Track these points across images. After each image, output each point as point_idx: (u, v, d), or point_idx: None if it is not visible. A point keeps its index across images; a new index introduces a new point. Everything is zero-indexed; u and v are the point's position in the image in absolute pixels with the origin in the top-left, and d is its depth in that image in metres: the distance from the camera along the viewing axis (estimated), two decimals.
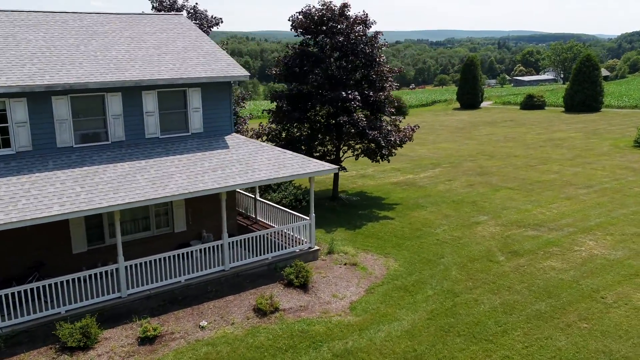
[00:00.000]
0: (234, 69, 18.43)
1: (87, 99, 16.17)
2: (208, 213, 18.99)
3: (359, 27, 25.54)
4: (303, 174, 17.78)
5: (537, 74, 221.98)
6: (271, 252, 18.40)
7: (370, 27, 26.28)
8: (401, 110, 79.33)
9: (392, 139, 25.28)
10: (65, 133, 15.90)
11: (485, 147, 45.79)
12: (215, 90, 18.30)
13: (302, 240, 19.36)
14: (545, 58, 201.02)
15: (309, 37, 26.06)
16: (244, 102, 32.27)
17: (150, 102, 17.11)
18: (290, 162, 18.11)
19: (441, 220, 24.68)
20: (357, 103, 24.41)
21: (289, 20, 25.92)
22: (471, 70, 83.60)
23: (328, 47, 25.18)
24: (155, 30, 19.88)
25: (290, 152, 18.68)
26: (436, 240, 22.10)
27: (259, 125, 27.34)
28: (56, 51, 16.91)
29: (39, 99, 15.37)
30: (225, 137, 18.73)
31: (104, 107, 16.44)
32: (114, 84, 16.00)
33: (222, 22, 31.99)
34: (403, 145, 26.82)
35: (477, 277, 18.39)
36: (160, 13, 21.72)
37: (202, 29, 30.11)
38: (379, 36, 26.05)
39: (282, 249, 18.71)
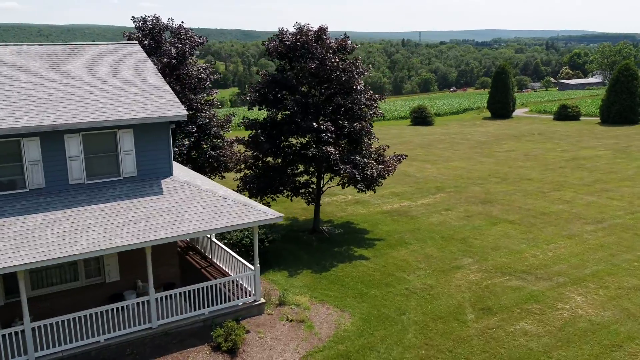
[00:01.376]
0: (170, 109, 17.05)
1: (1, 145, 15.07)
2: (144, 261, 17.66)
3: (336, 54, 23.79)
4: (239, 225, 16.24)
5: (585, 77, 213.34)
6: (210, 305, 16.93)
7: (351, 52, 24.48)
8: (426, 121, 76.87)
9: (369, 172, 23.41)
10: None
11: (501, 168, 43.13)
12: (151, 131, 16.97)
13: (249, 291, 17.85)
14: (593, 61, 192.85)
15: (285, 62, 24.48)
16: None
17: (74, 146, 15.91)
18: (229, 211, 16.59)
19: (420, 263, 22.68)
20: (330, 135, 22.68)
21: (262, 44, 24.42)
22: (502, 78, 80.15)
23: (301, 73, 23.55)
24: (98, 64, 18.72)
25: (233, 198, 17.16)
26: (405, 289, 20.17)
27: (239, 152, 26.07)
28: None
29: None
30: (163, 180, 17.37)
31: (20, 153, 15.32)
32: (27, 129, 14.87)
33: (207, 41, 30.76)
34: (384, 179, 24.88)
35: (435, 343, 16.41)
36: (113, 43, 20.56)
37: (183, 50, 28.95)
38: (358, 62, 24.19)
39: (225, 301, 17.23)
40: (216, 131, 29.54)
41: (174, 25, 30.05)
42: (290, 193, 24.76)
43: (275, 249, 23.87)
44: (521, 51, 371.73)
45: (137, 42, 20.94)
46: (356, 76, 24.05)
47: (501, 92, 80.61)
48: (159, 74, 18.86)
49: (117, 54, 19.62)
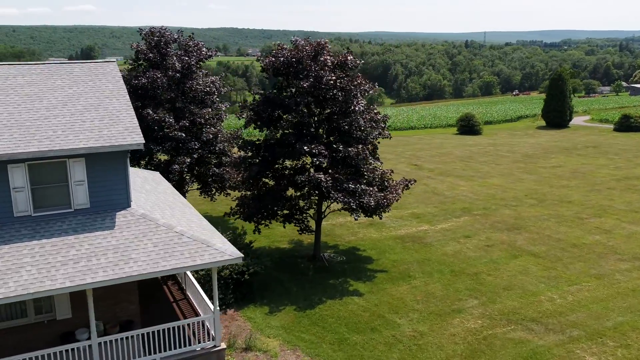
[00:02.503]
0: (126, 137, 15.78)
1: None
2: (99, 296, 16.51)
3: (334, 71, 21.97)
4: (190, 267, 14.76)
5: None
6: (164, 350, 15.57)
7: (354, 68, 22.59)
8: (473, 130, 73.38)
9: (365, 200, 21.44)
10: None
11: (540, 187, 39.85)
12: (105, 160, 15.77)
13: (211, 334, 16.37)
14: None
15: (282, 79, 22.89)
16: None
17: (18, 177, 14.90)
18: (182, 250, 15.15)
19: (417, 303, 20.53)
20: (322, 159, 20.90)
21: (257, 60, 22.92)
22: (558, 85, 75.46)
23: (298, 92, 21.88)
24: (65, 85, 17.74)
25: (190, 235, 15.70)
26: (391, 336, 18.14)
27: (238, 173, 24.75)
28: None
29: None
30: (119, 212, 16.13)
31: None
32: None
33: (216, 54, 29.60)
34: (385, 209, 22.79)
35: None
36: (91, 61, 19.62)
37: (189, 63, 27.87)
38: (359, 80, 22.25)
39: (184, 345, 15.83)
40: (221, 147, 28.31)
41: (181, 37, 29.07)
42: (282, 219, 23.12)
43: (263, 279, 22.32)
44: (592, 53, 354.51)
45: (114, 61, 19.90)
46: (358, 95, 22.15)
47: (557, 100, 75.93)
48: (127, 96, 17.67)
49: (90, 73, 18.61)
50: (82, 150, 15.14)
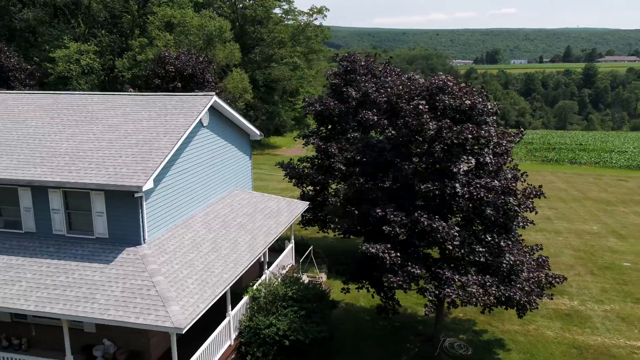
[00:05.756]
0: (132, 178, 16.01)
1: (3, 191, 17.49)
2: None
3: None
4: (124, 323, 14.26)
5: None
6: None
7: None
8: None
9: (513, 294, 16.79)
10: None
11: None
12: (121, 197, 16.42)
13: None
14: None
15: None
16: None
17: (55, 200, 16.94)
18: (138, 302, 14.73)
19: None
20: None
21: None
22: None
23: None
24: (146, 118, 19.02)
25: (160, 288, 15.04)
26: None
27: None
28: (4, 140, 18.78)
29: None
30: (128, 248, 16.60)
31: (17, 199, 17.41)
32: (16, 181, 16.76)
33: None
34: (534, 305, 16.96)
35: None
36: (195, 94, 20.32)
37: (366, 91, 25.91)
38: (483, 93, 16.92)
39: None
40: None
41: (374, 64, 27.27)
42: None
43: (338, 348, 19.46)
44: None
45: (214, 94, 20.24)
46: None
47: None
48: (180, 134, 17.85)
49: (180, 106, 19.49)
50: (92, 186, 16.26)
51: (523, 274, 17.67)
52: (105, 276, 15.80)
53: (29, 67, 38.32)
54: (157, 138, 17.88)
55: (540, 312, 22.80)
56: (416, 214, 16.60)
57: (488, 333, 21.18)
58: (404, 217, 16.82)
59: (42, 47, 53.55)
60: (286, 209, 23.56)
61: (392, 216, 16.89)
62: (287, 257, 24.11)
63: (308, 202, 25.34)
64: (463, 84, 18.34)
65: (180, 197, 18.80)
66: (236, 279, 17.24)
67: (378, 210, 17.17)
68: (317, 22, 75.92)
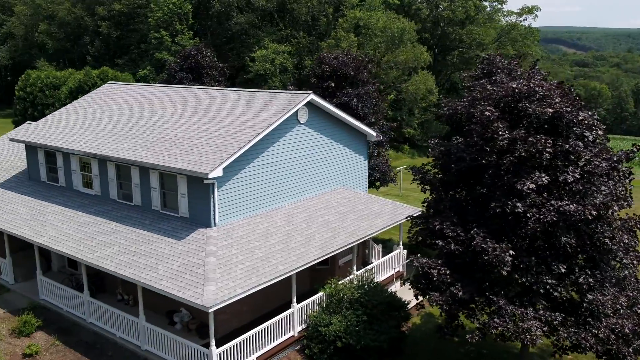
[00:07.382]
0: (202, 167, 17.47)
1: (124, 168, 20.54)
2: None
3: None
4: (171, 295, 15.79)
5: None
6: None
7: None
8: None
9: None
10: (113, 189, 21.05)
11: None
12: (198, 182, 18.08)
13: None
14: None
15: None
16: None
17: (154, 180, 19.38)
18: (184, 278, 16.21)
19: None
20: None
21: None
22: None
23: None
24: (244, 112, 20.44)
25: (206, 269, 16.31)
26: None
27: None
28: (135, 125, 21.81)
29: (101, 162, 21.17)
30: (200, 229, 18.21)
31: (130, 176, 20.32)
32: (129, 161, 19.65)
33: None
34: None
35: None
36: (292, 92, 21.05)
37: None
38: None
39: None
40: None
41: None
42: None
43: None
44: None
45: (311, 92, 20.76)
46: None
47: None
48: (261, 128, 18.90)
49: (277, 103, 20.53)
50: (174, 170, 18.33)
51: (610, 319, 14.82)
52: (173, 250, 17.66)
53: (221, 65, 43.17)
54: (242, 131, 19.22)
55: None
56: (472, 232, 15.09)
57: None
58: (460, 233, 15.42)
59: (253, 48, 59.90)
60: (389, 213, 23.13)
61: (449, 231, 15.61)
62: (390, 260, 23.70)
63: (420, 208, 24.39)
64: (557, 89, 15.98)
65: (262, 188, 19.88)
66: (293, 272, 17.71)
67: (436, 223, 16.01)
68: (525, 23, 70.93)
